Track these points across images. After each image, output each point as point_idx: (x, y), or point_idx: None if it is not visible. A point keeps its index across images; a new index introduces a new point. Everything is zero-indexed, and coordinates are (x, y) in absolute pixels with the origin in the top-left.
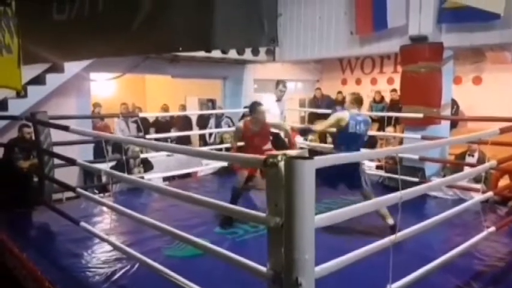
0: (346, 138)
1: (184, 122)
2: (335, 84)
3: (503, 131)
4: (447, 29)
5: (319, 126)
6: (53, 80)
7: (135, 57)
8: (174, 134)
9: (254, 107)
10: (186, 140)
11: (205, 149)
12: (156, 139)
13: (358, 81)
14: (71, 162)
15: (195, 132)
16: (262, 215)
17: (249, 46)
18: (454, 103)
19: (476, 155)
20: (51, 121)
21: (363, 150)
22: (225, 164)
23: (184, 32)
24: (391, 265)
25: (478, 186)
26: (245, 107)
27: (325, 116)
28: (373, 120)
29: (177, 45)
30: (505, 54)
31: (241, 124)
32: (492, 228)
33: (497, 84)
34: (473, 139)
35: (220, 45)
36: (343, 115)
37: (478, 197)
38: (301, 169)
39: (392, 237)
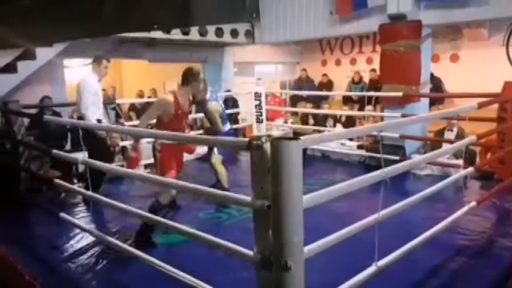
0: None
1: None
2: (315, 66)
3: (481, 105)
4: (425, 7)
5: None
6: (25, 68)
7: (109, 42)
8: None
9: (192, 75)
10: None
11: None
12: (134, 126)
13: (337, 62)
14: (46, 152)
15: None
16: (248, 198)
17: (229, 21)
18: (438, 81)
19: (455, 130)
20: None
21: (343, 129)
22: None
23: (160, 8)
24: (377, 242)
25: (460, 162)
26: (226, 91)
27: (306, 99)
28: (353, 101)
29: (152, 22)
30: (481, 31)
31: (169, 97)
32: (473, 203)
33: (474, 61)
34: (452, 114)
35: (199, 21)
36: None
37: (459, 172)
38: (288, 150)
39: (376, 215)
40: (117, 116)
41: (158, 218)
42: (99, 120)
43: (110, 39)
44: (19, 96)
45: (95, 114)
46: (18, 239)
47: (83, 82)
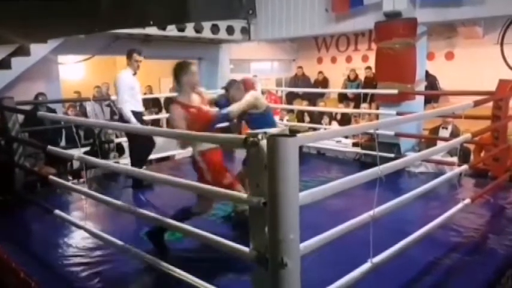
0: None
1: (153, 104)
2: (311, 63)
3: (477, 104)
4: (421, 5)
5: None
6: (19, 64)
7: (104, 39)
8: (150, 117)
9: (180, 68)
10: (156, 123)
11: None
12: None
13: (333, 60)
14: (41, 148)
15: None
16: (244, 195)
17: (225, 18)
18: (433, 79)
19: (449, 127)
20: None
21: (339, 127)
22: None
23: (156, 4)
24: (371, 240)
25: (455, 159)
26: (222, 88)
27: (302, 96)
28: (349, 98)
29: (148, 18)
30: (476, 29)
31: (174, 107)
32: (467, 200)
33: (469, 59)
34: (448, 112)
35: (195, 17)
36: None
37: (454, 170)
38: (284, 147)
39: (371, 212)
40: (113, 113)
41: (154, 215)
42: (133, 112)
43: (105, 36)
44: (13, 92)
45: (133, 105)
46: (13, 236)
47: (118, 78)
